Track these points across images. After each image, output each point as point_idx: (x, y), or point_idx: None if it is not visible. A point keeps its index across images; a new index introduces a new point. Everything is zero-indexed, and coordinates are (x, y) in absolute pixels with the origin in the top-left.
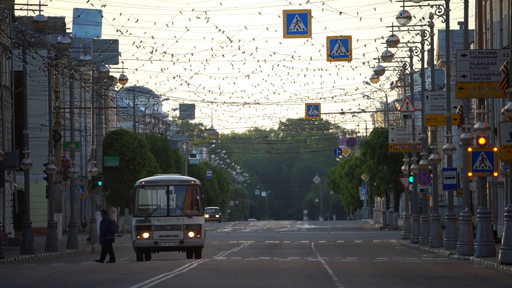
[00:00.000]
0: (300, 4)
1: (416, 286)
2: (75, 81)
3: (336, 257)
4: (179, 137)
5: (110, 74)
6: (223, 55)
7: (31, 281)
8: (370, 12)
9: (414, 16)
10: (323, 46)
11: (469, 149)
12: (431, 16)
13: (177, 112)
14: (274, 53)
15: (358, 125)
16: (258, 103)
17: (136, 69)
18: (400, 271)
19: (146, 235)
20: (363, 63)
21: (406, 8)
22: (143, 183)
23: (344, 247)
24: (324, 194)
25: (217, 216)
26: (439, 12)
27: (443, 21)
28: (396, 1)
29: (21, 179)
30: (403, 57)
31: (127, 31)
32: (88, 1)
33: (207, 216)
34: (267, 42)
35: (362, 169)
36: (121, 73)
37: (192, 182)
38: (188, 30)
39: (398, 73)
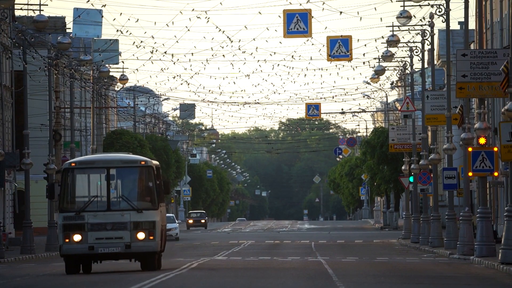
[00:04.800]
0: (301, 4)
1: (416, 286)
2: (75, 81)
3: (337, 257)
4: (179, 137)
5: (110, 74)
6: (223, 55)
7: (31, 281)
8: (370, 12)
9: (415, 16)
10: (324, 45)
11: (470, 149)
12: (431, 16)
13: (177, 112)
14: (274, 52)
15: (358, 125)
16: (258, 103)
17: (137, 69)
18: (401, 271)
19: (77, 237)
20: (364, 62)
21: (406, 8)
22: (73, 164)
23: (344, 247)
24: (324, 194)
25: (202, 221)
26: (439, 12)
27: (444, 21)
28: (397, 1)
29: (21, 179)
30: (404, 57)
31: (127, 31)
32: (88, 1)
33: (191, 221)
34: (267, 41)
35: (362, 169)
36: (122, 73)
37: (143, 162)
38: (188, 30)
39: (399, 73)
